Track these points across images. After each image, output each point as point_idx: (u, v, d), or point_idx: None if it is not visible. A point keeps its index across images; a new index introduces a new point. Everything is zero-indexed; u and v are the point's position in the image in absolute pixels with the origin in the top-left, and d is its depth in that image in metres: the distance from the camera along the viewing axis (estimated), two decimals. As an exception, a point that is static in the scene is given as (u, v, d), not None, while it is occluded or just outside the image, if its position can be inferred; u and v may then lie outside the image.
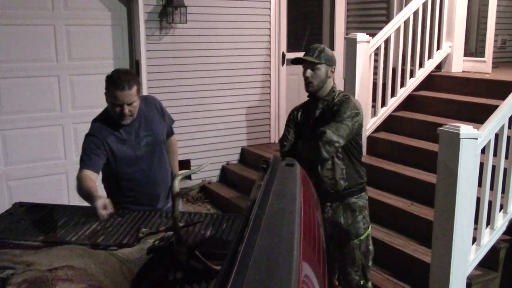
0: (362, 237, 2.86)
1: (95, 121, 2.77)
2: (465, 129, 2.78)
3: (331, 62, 2.83)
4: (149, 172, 2.81)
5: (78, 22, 4.81)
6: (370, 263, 2.94)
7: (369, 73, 4.66)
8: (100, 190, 2.71)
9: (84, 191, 2.49)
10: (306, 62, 2.80)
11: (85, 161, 2.62)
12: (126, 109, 2.62)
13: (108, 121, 2.71)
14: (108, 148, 2.68)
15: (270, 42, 5.86)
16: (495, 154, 3.17)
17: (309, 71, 2.80)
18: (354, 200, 2.85)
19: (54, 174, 4.86)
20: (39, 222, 2.53)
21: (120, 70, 2.72)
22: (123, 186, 2.80)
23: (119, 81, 2.58)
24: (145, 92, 4.91)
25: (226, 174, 5.78)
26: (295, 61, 2.92)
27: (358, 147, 2.84)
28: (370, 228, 2.92)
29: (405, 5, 5.02)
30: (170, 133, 3.09)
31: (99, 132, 2.69)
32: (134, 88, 2.61)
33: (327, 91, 2.84)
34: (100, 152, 2.65)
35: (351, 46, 4.52)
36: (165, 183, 2.90)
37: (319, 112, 2.85)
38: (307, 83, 2.82)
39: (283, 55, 6.02)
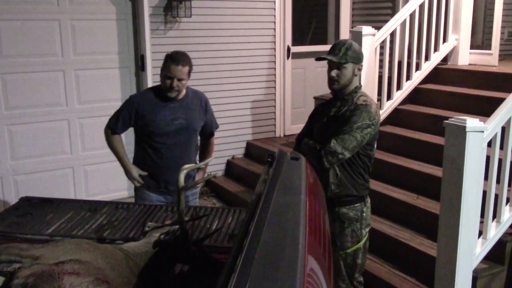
0: (348, 251, 2.75)
1: (146, 89, 3.23)
2: (472, 122, 2.76)
3: (358, 60, 2.67)
4: (172, 149, 3.13)
5: (83, 16, 4.81)
6: (356, 275, 2.82)
7: (374, 66, 4.64)
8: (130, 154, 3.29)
9: (119, 151, 3.20)
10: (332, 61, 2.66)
11: (118, 125, 3.14)
12: (175, 83, 3.01)
13: (156, 92, 3.14)
14: (140, 115, 3.08)
15: (275, 35, 5.84)
16: (501, 147, 3.15)
17: (335, 71, 2.66)
18: (344, 210, 2.72)
19: (60, 168, 4.88)
20: (45, 216, 2.55)
21: (179, 51, 3.12)
22: (148, 153, 3.16)
23: (177, 57, 3.01)
24: (150, 85, 4.91)
25: (231, 168, 5.79)
26: (319, 59, 2.75)
27: (366, 158, 2.71)
28: (362, 242, 2.76)
29: (411, -2, 4.98)
30: (210, 134, 3.43)
31: (139, 98, 3.17)
32: (186, 68, 3.02)
33: (349, 90, 2.70)
34: (128, 119, 3.12)
35: (356, 40, 4.50)
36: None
37: (334, 111, 2.73)
38: (332, 81, 2.68)
39: (288, 49, 6.00)
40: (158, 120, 3.08)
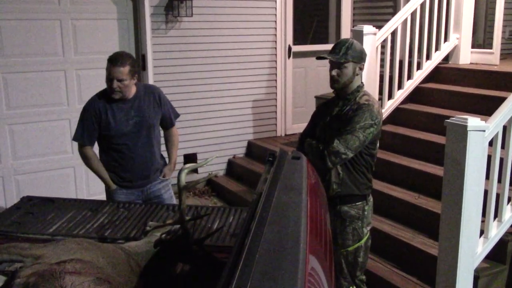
0: (349, 249, 2.75)
1: (95, 95, 3.14)
2: (473, 121, 2.75)
3: (359, 59, 2.68)
4: (133, 149, 3.12)
5: (84, 16, 4.82)
6: (358, 273, 2.83)
7: (376, 66, 4.64)
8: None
9: (97, 169, 3.17)
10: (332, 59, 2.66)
11: (84, 136, 3.10)
12: (115, 84, 2.95)
13: (106, 96, 3.07)
14: (98, 119, 3.05)
15: (276, 35, 5.84)
16: (503, 146, 3.14)
17: (335, 70, 2.66)
18: (346, 208, 2.73)
19: (61, 168, 4.88)
20: (47, 215, 2.55)
21: (121, 51, 3.06)
22: (110, 155, 3.16)
23: (115, 58, 2.95)
24: (151, 86, 4.92)
25: (232, 168, 5.79)
26: (319, 58, 2.75)
27: (368, 157, 2.72)
28: (363, 240, 2.77)
29: (412, -3, 4.97)
30: (170, 124, 3.37)
31: (92, 105, 3.08)
32: (127, 68, 2.94)
33: (351, 89, 2.70)
34: (92, 126, 3.07)
35: (357, 39, 4.49)
36: (147, 166, 3.21)
37: (337, 111, 2.74)
38: (333, 80, 2.69)
39: (289, 48, 6.00)
40: (113, 123, 3.04)
